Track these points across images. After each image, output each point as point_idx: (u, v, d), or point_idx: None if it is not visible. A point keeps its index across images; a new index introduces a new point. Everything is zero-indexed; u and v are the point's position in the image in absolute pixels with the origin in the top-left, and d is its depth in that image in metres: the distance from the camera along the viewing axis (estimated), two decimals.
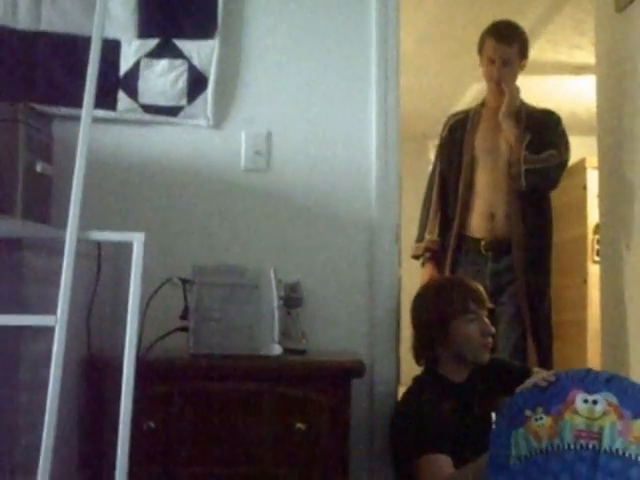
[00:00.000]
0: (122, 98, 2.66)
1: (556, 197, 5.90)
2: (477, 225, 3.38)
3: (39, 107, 2.45)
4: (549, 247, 3.43)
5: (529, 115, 3.40)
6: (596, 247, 5.48)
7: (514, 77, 3.42)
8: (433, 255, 3.45)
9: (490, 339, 2.50)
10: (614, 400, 1.98)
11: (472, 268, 3.33)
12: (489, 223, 3.36)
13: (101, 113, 2.55)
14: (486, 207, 3.37)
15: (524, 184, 3.25)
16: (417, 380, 2.55)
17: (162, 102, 2.68)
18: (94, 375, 2.24)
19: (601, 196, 3.87)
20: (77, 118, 1.80)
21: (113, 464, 1.72)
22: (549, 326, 3.38)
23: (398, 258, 2.91)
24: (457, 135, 3.52)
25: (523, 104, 3.45)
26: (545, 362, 3.16)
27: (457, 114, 3.65)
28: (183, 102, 2.69)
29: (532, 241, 3.32)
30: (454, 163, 3.48)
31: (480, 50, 3.45)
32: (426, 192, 3.60)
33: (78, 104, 1.82)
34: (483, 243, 3.34)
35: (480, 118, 3.51)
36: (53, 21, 2.62)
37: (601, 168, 3.84)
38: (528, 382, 2.16)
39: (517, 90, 3.38)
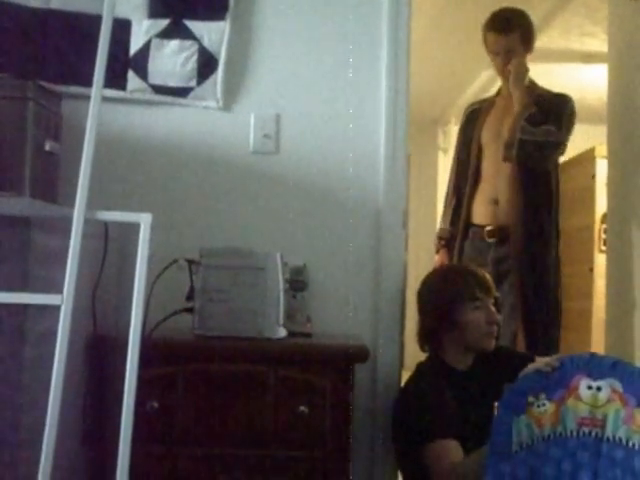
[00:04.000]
0: (132, 78, 2.65)
1: (564, 185, 5.88)
2: (481, 212, 3.43)
3: (48, 85, 2.44)
4: (552, 235, 3.40)
5: (540, 96, 3.38)
6: (603, 236, 5.48)
7: (522, 65, 3.40)
8: (446, 243, 3.52)
9: (495, 327, 2.50)
10: (619, 387, 1.97)
11: (476, 255, 3.36)
12: (493, 209, 3.40)
13: (110, 93, 2.55)
14: (490, 193, 3.41)
15: (514, 154, 3.22)
16: (421, 367, 2.55)
17: (172, 83, 2.67)
18: (99, 355, 2.25)
19: (609, 185, 3.86)
20: (86, 97, 1.79)
21: (116, 443, 1.73)
22: (552, 317, 3.36)
23: (405, 243, 2.92)
24: (471, 125, 3.57)
25: (535, 86, 3.44)
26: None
27: (474, 104, 3.71)
28: (193, 83, 2.68)
29: (533, 229, 3.31)
30: (466, 152, 3.53)
31: (484, 44, 3.45)
32: (448, 180, 3.66)
33: (88, 83, 1.81)
34: (487, 230, 3.36)
35: (492, 108, 3.52)
36: None
37: (610, 157, 3.83)
38: (531, 367, 2.15)
39: (524, 66, 3.34)
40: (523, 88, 3.30)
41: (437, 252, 3.62)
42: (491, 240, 3.36)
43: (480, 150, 3.48)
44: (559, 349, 3.33)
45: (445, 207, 3.64)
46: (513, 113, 3.32)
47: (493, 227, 3.37)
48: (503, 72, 3.43)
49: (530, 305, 3.28)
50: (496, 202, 3.38)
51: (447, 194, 3.65)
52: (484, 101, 3.68)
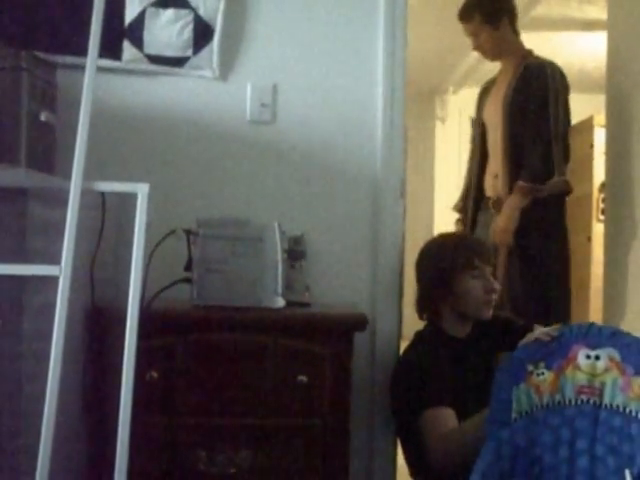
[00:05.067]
0: (127, 48, 2.63)
1: None
2: (488, 185, 3.58)
3: (43, 55, 2.41)
4: (550, 209, 3.41)
5: (525, 70, 3.42)
6: (601, 205, 5.48)
7: (495, 42, 3.52)
8: (461, 217, 3.76)
9: (493, 296, 2.51)
10: (616, 356, 1.99)
11: (485, 225, 3.48)
12: (494, 182, 3.52)
13: (106, 63, 2.53)
14: (493, 168, 3.55)
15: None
16: (419, 335, 2.56)
17: (167, 53, 2.65)
18: (98, 326, 2.25)
19: (608, 154, 3.86)
20: (82, 67, 1.78)
21: (116, 414, 1.74)
22: (556, 288, 3.38)
23: (403, 213, 2.92)
24: (480, 103, 3.76)
25: (527, 57, 3.48)
26: None
27: (486, 82, 3.81)
28: (189, 53, 2.66)
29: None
30: (476, 130, 3.74)
31: None
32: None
33: (83, 53, 1.80)
34: (491, 201, 3.49)
35: (493, 86, 3.67)
36: None
37: (609, 126, 3.82)
38: (530, 336, 2.16)
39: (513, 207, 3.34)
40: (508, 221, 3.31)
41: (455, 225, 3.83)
42: (493, 210, 3.46)
43: (484, 128, 3.64)
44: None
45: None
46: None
47: (495, 198, 3.48)
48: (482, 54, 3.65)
49: (513, 284, 3.31)
50: (496, 176, 3.50)
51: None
52: (493, 79, 3.75)
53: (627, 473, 1.87)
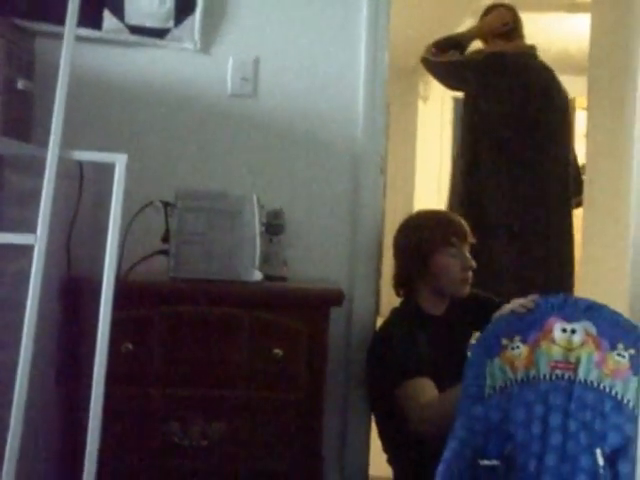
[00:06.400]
0: (107, 17, 2.59)
1: None
2: None
3: (21, 22, 2.39)
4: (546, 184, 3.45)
5: None
6: None
7: None
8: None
9: (470, 273, 2.51)
10: (593, 330, 1.98)
11: None
12: None
13: (85, 32, 2.49)
14: None
15: None
16: (395, 311, 2.57)
17: (148, 23, 2.62)
18: (74, 296, 2.24)
19: (589, 136, 3.87)
20: (61, 36, 1.76)
21: (90, 384, 1.74)
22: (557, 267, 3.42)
23: (383, 189, 2.92)
24: None
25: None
26: None
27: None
28: (170, 24, 2.63)
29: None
30: None
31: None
32: None
33: (62, 21, 1.77)
34: None
35: None
36: None
37: (590, 108, 3.83)
38: (506, 308, 2.14)
39: None
40: None
41: None
42: None
43: None
44: None
45: None
46: None
47: None
48: None
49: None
50: None
51: None
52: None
53: (598, 452, 1.88)
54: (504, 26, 3.44)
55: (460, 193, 3.47)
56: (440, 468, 1.81)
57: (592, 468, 1.88)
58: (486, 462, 1.91)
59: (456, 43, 3.47)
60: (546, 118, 3.41)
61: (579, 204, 3.67)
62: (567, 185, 3.49)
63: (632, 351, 1.93)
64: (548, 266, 3.35)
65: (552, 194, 3.43)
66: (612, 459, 1.87)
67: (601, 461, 1.86)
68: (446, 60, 3.40)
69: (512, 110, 3.37)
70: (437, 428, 2.13)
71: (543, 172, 3.40)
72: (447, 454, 1.87)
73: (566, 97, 3.49)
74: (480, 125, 3.43)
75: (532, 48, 3.50)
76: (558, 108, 3.45)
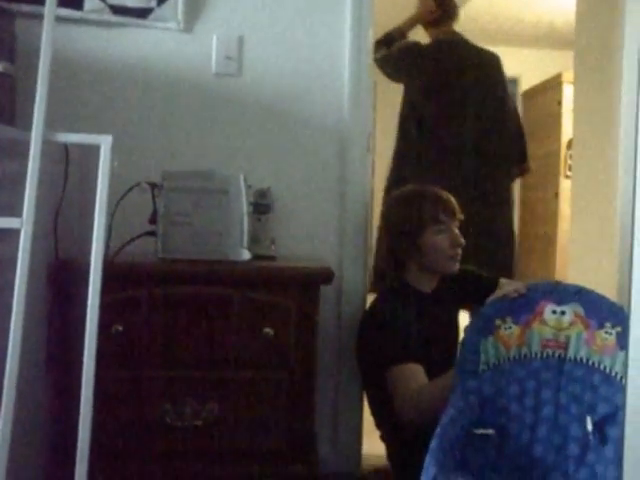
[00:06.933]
0: None
1: (531, 111, 5.90)
2: None
3: (1, 3, 2.36)
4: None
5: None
6: (569, 162, 5.51)
7: None
8: None
9: (459, 250, 2.51)
10: (581, 311, 2.05)
11: None
12: None
13: (66, 12, 2.48)
14: None
15: None
16: (385, 289, 2.57)
17: (130, 3, 2.60)
18: (62, 280, 2.23)
19: (576, 111, 3.87)
20: (41, 16, 1.73)
21: (81, 368, 1.73)
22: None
23: (371, 167, 2.91)
24: None
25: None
26: None
27: None
28: (152, 4, 2.61)
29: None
30: None
31: None
32: None
33: (42, 1, 1.75)
34: None
35: None
36: None
37: (577, 82, 3.83)
38: (499, 292, 2.19)
39: None
40: None
41: None
42: None
43: None
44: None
45: None
46: None
47: None
48: None
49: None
50: None
51: None
52: None
53: (588, 419, 1.93)
54: (431, 14, 3.58)
55: (395, 175, 3.50)
56: (437, 432, 1.84)
57: (582, 436, 1.94)
58: (481, 430, 1.96)
59: (392, 38, 3.59)
60: (469, 93, 3.47)
61: (524, 171, 3.72)
62: (498, 164, 3.52)
63: (619, 329, 1.99)
64: (487, 246, 3.36)
65: (487, 173, 3.47)
66: (601, 425, 1.92)
67: (590, 427, 1.91)
68: (380, 56, 3.52)
69: (431, 90, 3.47)
70: (426, 414, 2.14)
71: (472, 151, 3.45)
72: (444, 420, 1.90)
73: (494, 70, 3.55)
74: (406, 108, 3.54)
75: (455, 34, 3.59)
76: (482, 82, 3.50)
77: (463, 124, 3.43)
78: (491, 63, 3.55)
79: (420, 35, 3.68)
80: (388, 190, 3.28)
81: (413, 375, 2.28)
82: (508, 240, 3.52)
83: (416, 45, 3.56)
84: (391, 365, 2.31)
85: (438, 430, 1.85)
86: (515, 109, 3.65)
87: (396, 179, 3.38)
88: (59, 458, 2.15)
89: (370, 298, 2.62)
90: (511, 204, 3.56)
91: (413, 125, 3.40)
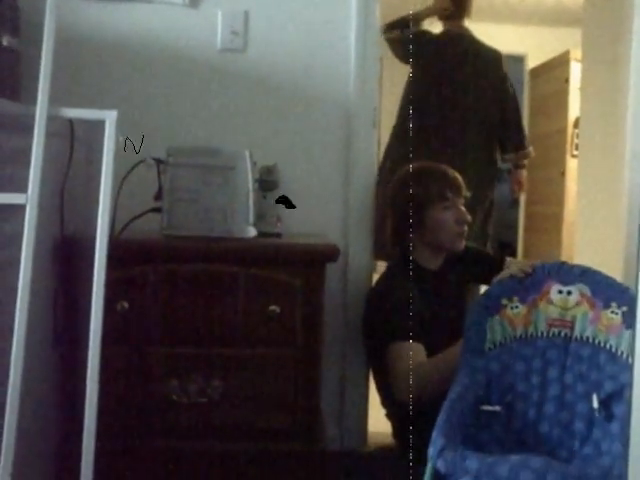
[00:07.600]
0: None
1: (538, 89, 5.87)
2: None
3: None
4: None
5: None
6: (576, 141, 5.48)
7: None
8: None
9: (465, 227, 2.51)
10: (587, 291, 2.06)
11: None
12: None
13: None
14: None
15: None
16: (391, 267, 2.56)
17: None
18: (68, 256, 2.23)
19: (583, 89, 3.84)
20: None
21: (87, 345, 1.73)
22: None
23: (377, 144, 2.90)
24: None
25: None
26: None
27: None
28: None
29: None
30: None
31: None
32: None
33: None
34: None
35: None
36: None
37: (585, 59, 3.80)
38: (506, 272, 2.19)
39: None
40: None
41: None
42: None
43: None
44: None
45: None
46: None
47: None
48: None
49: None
50: None
51: None
52: None
53: (594, 397, 1.94)
54: (444, 10, 3.67)
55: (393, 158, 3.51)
56: (444, 406, 1.84)
57: (588, 414, 1.96)
58: (488, 407, 1.99)
59: (406, 23, 3.67)
60: (468, 84, 3.57)
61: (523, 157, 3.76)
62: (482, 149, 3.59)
63: (625, 308, 2.00)
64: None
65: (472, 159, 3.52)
66: (607, 402, 1.94)
67: (596, 404, 1.93)
68: (392, 37, 3.63)
69: (433, 77, 3.57)
70: (421, 392, 2.15)
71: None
72: (451, 395, 1.91)
73: (495, 63, 3.66)
74: (408, 92, 3.59)
75: (463, 29, 3.67)
76: (482, 73, 3.60)
77: (459, 111, 3.54)
78: (492, 58, 3.65)
79: (434, 23, 3.75)
80: (381, 170, 3.28)
81: (409, 354, 2.28)
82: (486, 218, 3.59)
83: (425, 34, 3.67)
84: (391, 342, 2.32)
85: (445, 405, 1.85)
86: (515, 99, 3.73)
87: (391, 159, 3.44)
88: (66, 433, 2.16)
89: (376, 275, 2.62)
90: (493, 189, 3.64)
91: (412, 109, 3.44)
